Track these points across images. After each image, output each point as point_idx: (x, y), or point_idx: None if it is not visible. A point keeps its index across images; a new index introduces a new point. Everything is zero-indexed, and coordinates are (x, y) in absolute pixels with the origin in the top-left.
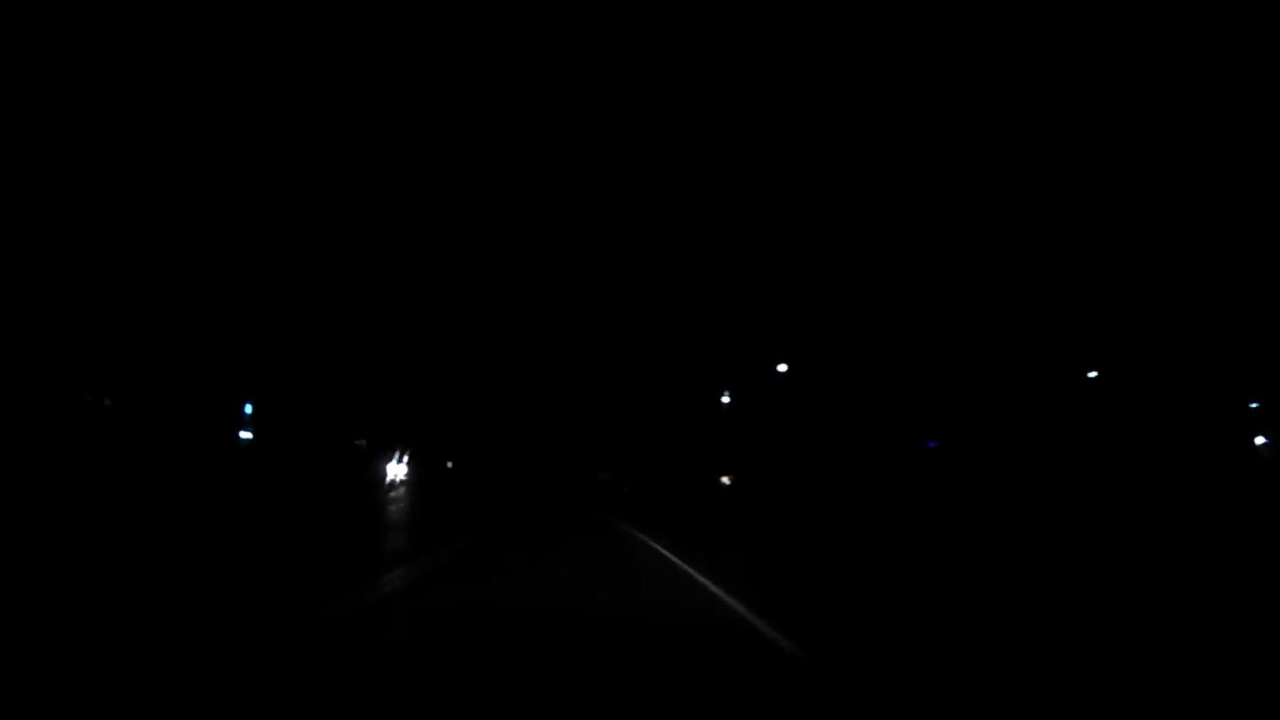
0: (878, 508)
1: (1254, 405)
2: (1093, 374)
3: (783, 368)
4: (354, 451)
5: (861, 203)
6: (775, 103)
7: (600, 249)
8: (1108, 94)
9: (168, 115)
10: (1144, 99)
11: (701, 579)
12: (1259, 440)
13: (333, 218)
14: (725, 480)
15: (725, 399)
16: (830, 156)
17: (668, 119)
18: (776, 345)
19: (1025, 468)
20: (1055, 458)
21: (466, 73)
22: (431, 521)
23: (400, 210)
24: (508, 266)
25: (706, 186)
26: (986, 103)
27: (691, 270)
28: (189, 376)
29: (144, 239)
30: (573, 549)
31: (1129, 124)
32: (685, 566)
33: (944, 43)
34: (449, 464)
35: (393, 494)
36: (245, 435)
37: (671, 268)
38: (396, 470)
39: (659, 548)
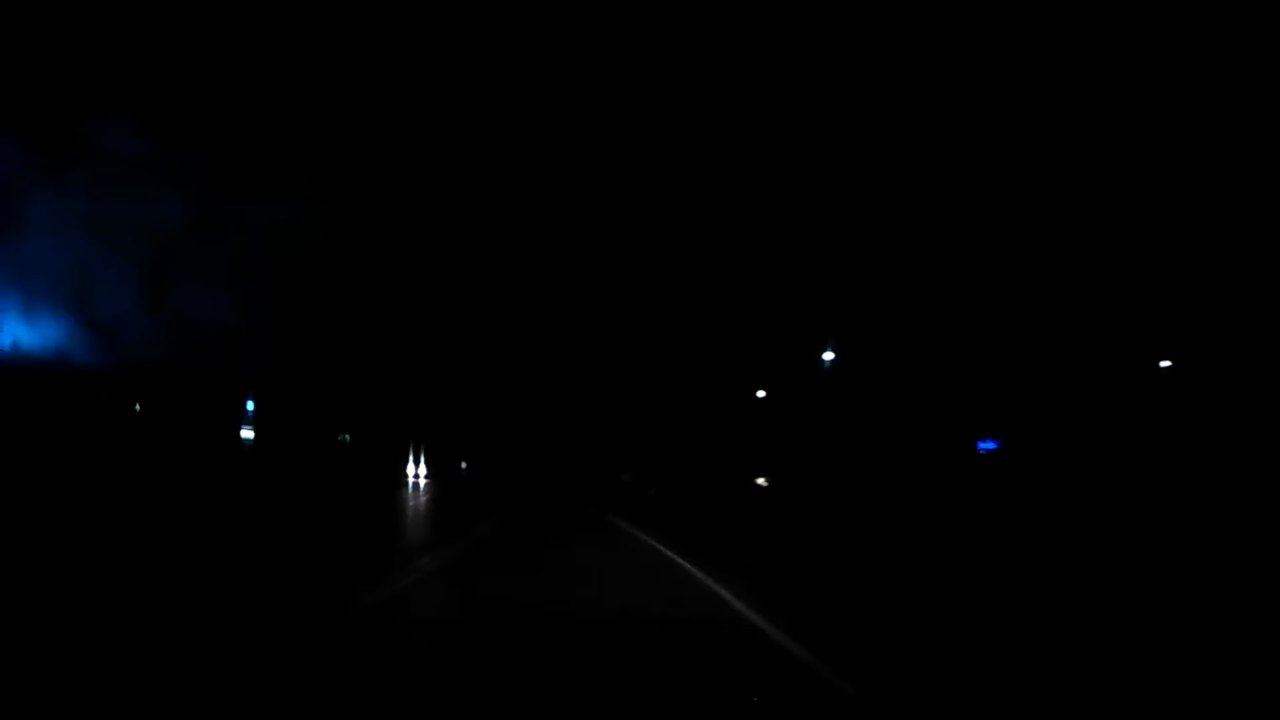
0: (944, 520)
1: None
2: (1165, 363)
3: (829, 356)
4: (350, 449)
5: (905, 178)
6: (814, 71)
7: (624, 235)
8: (1175, 69)
9: (168, 111)
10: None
11: (780, 637)
12: None
13: (351, 209)
14: (760, 482)
15: (760, 394)
16: (881, 124)
17: (685, 98)
18: (817, 335)
19: (1111, 473)
20: (1138, 461)
21: (484, 66)
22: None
23: (418, 202)
24: (526, 256)
25: (739, 161)
26: (1046, 77)
27: (721, 257)
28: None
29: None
30: (588, 574)
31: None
32: (740, 606)
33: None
34: (463, 465)
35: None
36: (246, 434)
37: (700, 255)
38: (411, 474)
39: (701, 575)
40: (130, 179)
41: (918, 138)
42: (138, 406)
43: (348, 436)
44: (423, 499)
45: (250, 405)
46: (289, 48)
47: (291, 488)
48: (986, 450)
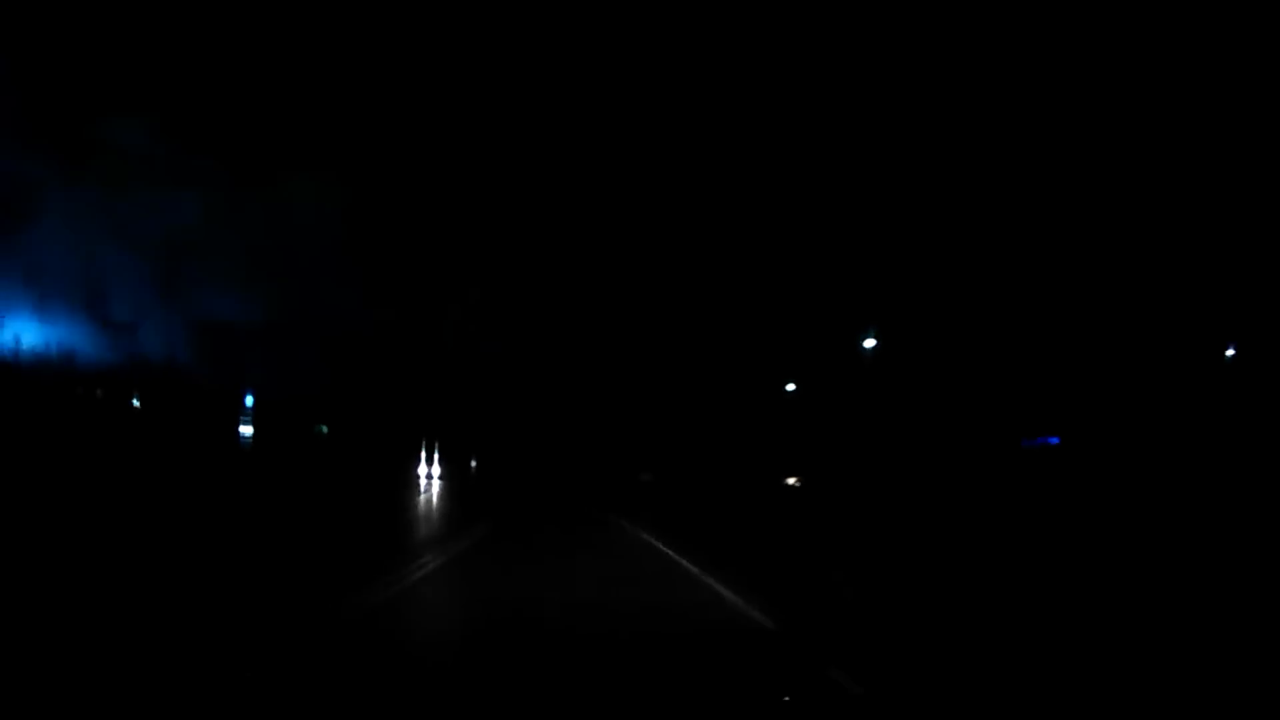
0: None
1: None
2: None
3: (870, 343)
4: (330, 442)
5: (945, 151)
6: (849, 44)
7: (642, 219)
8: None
9: (174, 113)
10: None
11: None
12: None
13: (372, 207)
14: (791, 482)
15: (789, 387)
16: (935, 90)
17: (701, 79)
18: (852, 323)
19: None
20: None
21: (505, 63)
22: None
23: (434, 197)
24: (542, 244)
25: (764, 134)
26: (1107, 50)
27: (745, 243)
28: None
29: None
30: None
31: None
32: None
33: None
34: (473, 464)
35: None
36: (245, 431)
37: (723, 241)
38: (423, 475)
39: (732, 595)
40: (133, 178)
41: (971, 107)
42: (135, 402)
43: (325, 428)
44: (422, 500)
45: (249, 401)
46: (298, 52)
47: (280, 492)
48: (1037, 446)
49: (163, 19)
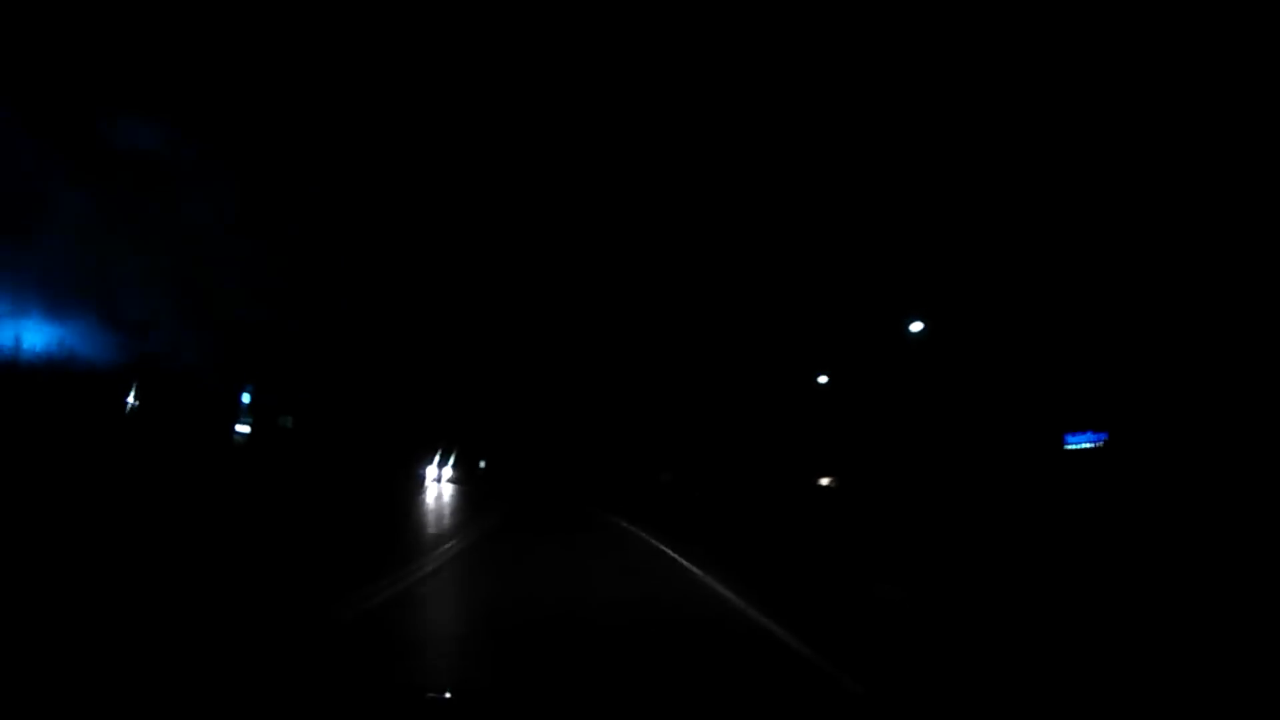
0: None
1: None
2: None
3: (917, 327)
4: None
5: (978, 138)
6: (882, 26)
7: (665, 205)
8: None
9: (175, 115)
10: None
11: None
12: None
13: (386, 211)
14: (824, 482)
15: (822, 379)
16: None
17: (725, 69)
18: (891, 310)
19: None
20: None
21: (524, 64)
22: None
23: (449, 199)
24: (558, 233)
25: (796, 116)
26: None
27: (774, 229)
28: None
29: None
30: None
31: None
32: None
33: None
34: (481, 464)
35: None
36: (242, 429)
37: (750, 227)
38: (432, 476)
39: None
40: (136, 180)
41: (1017, 95)
42: (133, 401)
43: (289, 420)
44: (425, 504)
45: (246, 399)
46: (297, 51)
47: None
48: (1082, 446)
49: (162, 19)
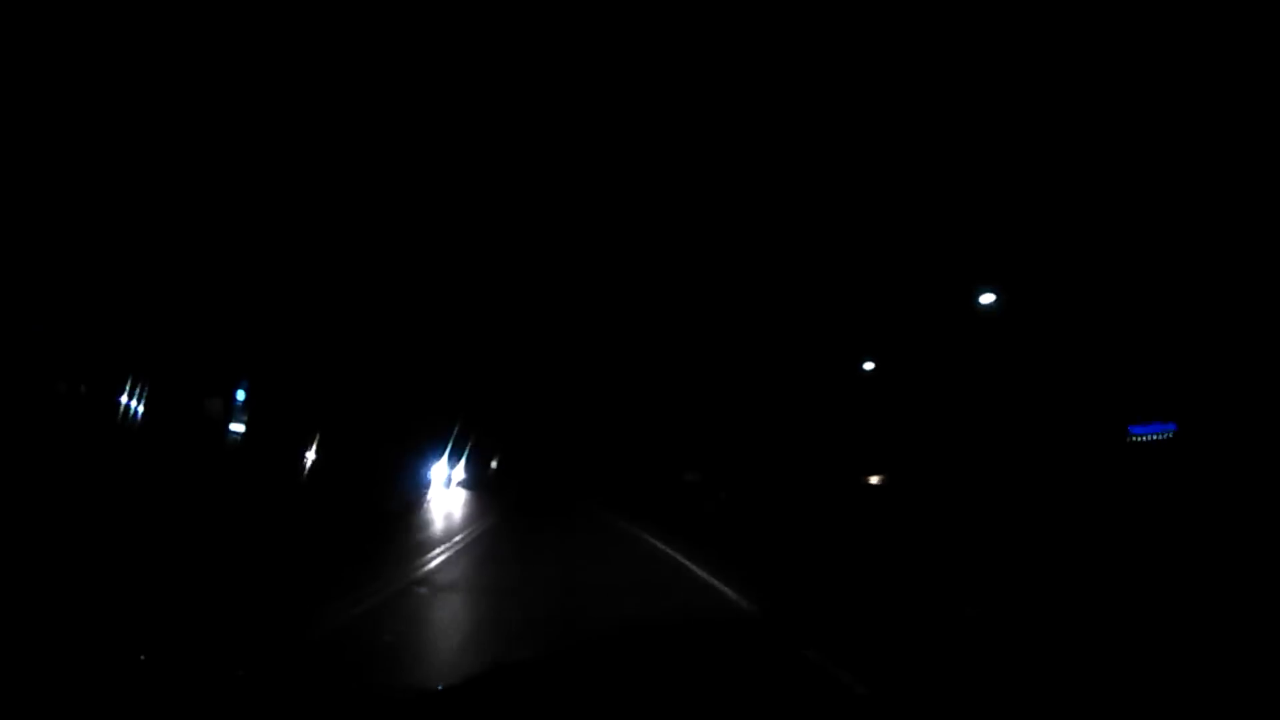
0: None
1: None
2: None
3: (988, 299)
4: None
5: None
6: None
7: (692, 179)
8: None
9: (167, 108)
10: None
11: None
12: None
13: (399, 205)
14: (873, 481)
15: (868, 366)
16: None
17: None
18: (957, 283)
19: None
20: None
21: (535, 59)
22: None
23: (468, 193)
24: (572, 217)
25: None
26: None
27: (812, 200)
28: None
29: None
30: None
31: None
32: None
33: None
34: (493, 464)
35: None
36: (236, 428)
37: (786, 196)
38: (440, 480)
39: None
40: (129, 167)
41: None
42: (125, 399)
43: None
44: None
45: (240, 396)
46: (296, 51)
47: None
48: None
49: (162, 19)
